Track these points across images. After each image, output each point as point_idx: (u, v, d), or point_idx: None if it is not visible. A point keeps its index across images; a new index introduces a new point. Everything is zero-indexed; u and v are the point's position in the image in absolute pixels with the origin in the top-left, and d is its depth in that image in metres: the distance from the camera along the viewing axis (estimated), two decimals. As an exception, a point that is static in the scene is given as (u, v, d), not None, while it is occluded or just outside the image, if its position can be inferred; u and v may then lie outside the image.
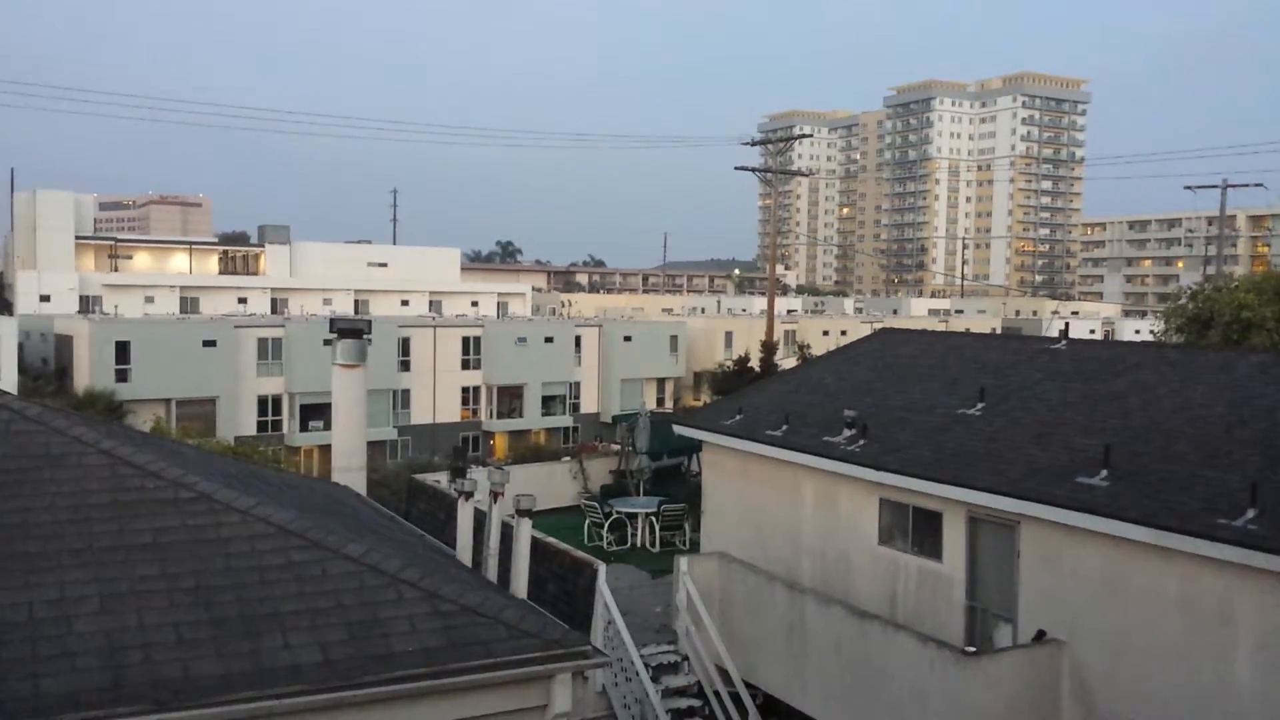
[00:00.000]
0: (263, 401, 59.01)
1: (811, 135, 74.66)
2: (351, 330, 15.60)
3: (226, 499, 8.80)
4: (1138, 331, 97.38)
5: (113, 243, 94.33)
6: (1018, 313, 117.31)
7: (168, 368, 54.34)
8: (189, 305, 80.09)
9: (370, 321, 16.50)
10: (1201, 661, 12.06)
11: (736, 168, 51.29)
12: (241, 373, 57.94)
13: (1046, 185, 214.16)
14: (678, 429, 21.53)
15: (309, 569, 8.30)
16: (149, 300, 78.68)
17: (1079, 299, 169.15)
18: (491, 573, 10.72)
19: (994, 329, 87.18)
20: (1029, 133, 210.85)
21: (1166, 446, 13.97)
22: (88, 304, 75.47)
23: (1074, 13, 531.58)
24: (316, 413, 58.74)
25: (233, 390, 57.25)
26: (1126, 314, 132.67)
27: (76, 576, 7.74)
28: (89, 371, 53.38)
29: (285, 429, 59.32)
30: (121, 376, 53.76)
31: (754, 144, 65.78)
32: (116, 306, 72.92)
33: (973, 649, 13.71)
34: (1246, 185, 66.18)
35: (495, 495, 10.93)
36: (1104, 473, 13.59)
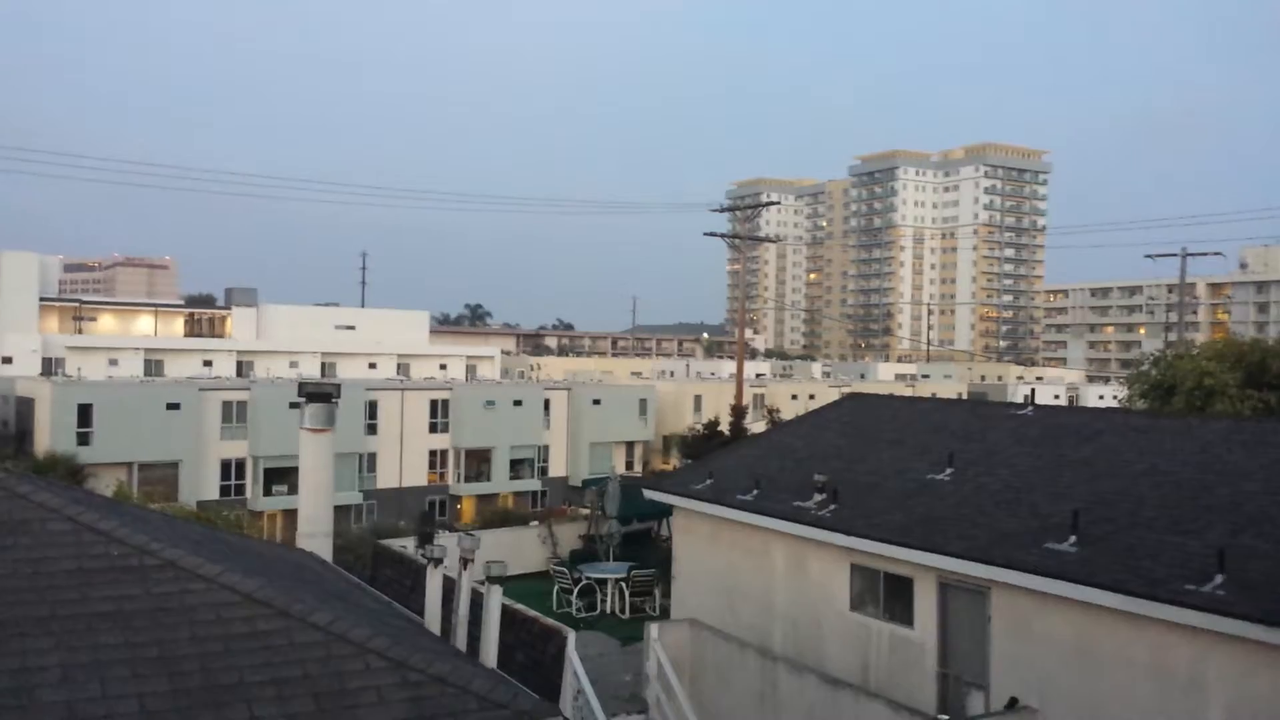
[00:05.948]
0: (226, 465, 58.38)
1: (779, 203, 75.53)
2: (320, 394, 15.47)
3: (192, 566, 8.64)
4: (1101, 397, 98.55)
5: (77, 304, 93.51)
6: (983, 378, 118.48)
7: (130, 431, 53.68)
8: (153, 368, 79.28)
9: (339, 385, 16.35)
10: (1173, 729, 12.04)
11: (706, 233, 51.81)
12: (205, 436, 57.34)
13: (1009, 253, 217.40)
14: (648, 493, 21.44)
15: (275, 638, 8.15)
16: (113, 363, 77.83)
17: (1043, 364, 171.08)
18: (461, 641, 10.57)
19: (960, 394, 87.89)
20: (991, 201, 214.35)
21: (1134, 512, 14.06)
22: (50, 366, 74.56)
23: (1035, 87, 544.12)
24: (281, 476, 58.19)
25: (196, 454, 56.58)
26: (1090, 380, 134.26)
27: (38, 645, 7.55)
28: (50, 434, 52.60)
29: (249, 493, 58.61)
30: (83, 440, 53.02)
31: (723, 210, 66.44)
32: (80, 369, 72.08)
33: (945, 717, 13.64)
34: (1205, 254, 67.11)
35: (465, 562, 10.81)
36: (1073, 538, 13.65)
